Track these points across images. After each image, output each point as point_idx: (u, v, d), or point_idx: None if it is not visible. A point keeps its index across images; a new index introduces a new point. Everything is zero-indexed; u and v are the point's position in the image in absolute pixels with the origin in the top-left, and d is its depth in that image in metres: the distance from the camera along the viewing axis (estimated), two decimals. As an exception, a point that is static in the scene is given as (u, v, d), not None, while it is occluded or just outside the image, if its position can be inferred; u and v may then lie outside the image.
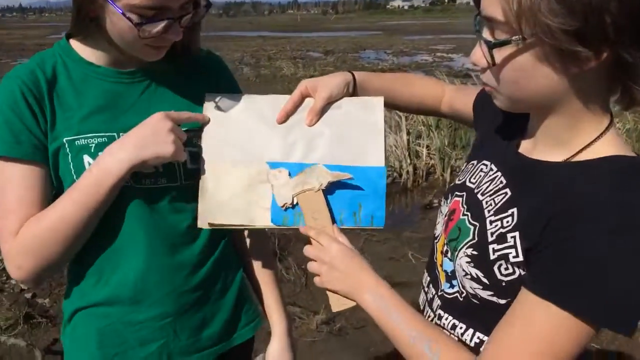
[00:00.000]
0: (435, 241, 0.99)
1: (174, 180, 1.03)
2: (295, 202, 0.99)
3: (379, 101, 1.05)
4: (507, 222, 0.80)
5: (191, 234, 1.08)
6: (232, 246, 1.21)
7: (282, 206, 0.99)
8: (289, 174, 1.00)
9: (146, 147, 0.93)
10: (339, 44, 22.22)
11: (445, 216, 0.96)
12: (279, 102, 1.04)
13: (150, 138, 0.93)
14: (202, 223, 1.02)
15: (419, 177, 4.98)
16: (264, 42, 23.79)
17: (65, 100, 0.98)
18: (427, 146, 5.27)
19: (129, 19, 0.87)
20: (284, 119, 1.03)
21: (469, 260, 0.84)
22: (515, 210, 0.80)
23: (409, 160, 5.03)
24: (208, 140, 1.03)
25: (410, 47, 20.46)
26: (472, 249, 0.84)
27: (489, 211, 0.84)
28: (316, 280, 0.96)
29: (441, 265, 0.95)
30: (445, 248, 0.93)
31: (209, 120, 1.03)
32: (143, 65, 1.02)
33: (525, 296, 0.73)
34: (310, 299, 3.02)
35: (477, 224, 0.85)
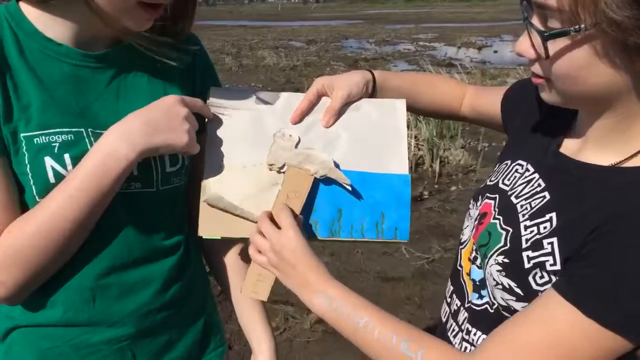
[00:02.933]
0: (461, 247, 0.90)
1: (149, 186, 0.88)
2: (282, 170, 0.90)
3: (401, 104, 0.97)
4: (545, 227, 0.72)
5: (165, 247, 0.94)
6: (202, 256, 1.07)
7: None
8: (297, 145, 0.91)
9: (157, 133, 0.79)
10: (320, 33, 22.02)
11: (475, 220, 0.87)
12: (293, 101, 0.95)
13: (162, 123, 0.80)
14: (204, 231, 0.91)
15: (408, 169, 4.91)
16: (245, 32, 23.46)
17: (20, 84, 0.78)
18: (415, 137, 5.20)
19: None
20: (298, 120, 0.94)
21: (499, 269, 0.76)
22: (554, 215, 0.72)
23: (397, 151, 4.94)
24: (213, 141, 0.92)
25: (393, 36, 20.35)
26: (503, 257, 0.76)
27: (523, 215, 0.76)
28: (257, 258, 0.87)
29: (468, 274, 0.87)
30: (473, 255, 0.85)
31: (213, 117, 0.93)
32: (114, 45, 0.87)
33: (551, 297, 0.66)
34: (303, 296, 2.93)
35: (510, 229, 0.77)
